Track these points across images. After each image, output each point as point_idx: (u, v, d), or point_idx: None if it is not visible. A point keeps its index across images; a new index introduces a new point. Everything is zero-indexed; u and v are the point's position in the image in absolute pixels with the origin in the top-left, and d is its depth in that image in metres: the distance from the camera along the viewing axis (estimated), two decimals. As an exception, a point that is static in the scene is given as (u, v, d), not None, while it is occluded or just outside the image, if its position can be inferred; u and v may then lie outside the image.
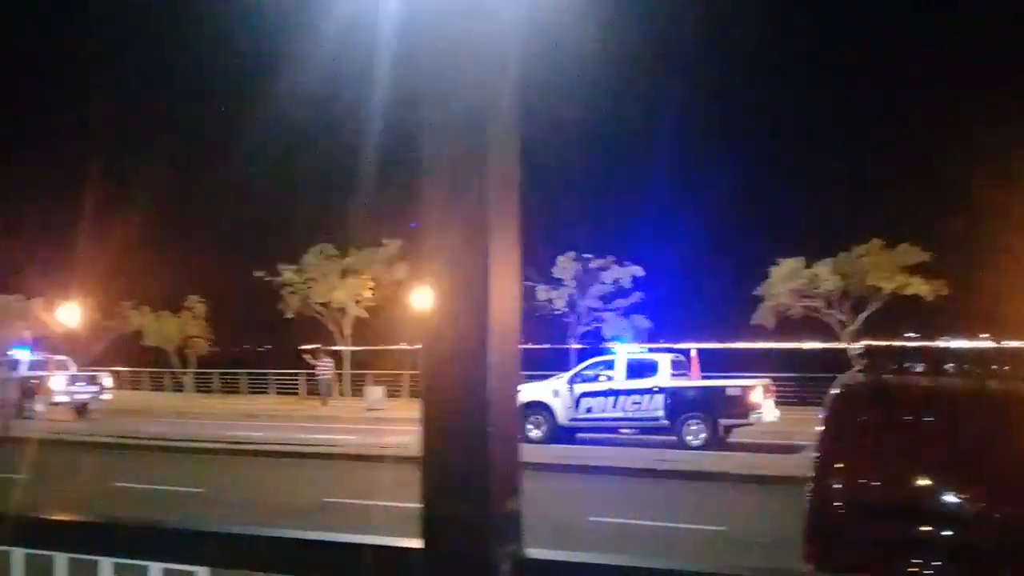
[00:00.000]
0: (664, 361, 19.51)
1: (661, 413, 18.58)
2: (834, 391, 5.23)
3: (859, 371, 5.55)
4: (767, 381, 19.50)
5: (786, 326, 32.32)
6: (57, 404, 26.60)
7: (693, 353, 20.45)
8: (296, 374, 36.49)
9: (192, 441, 19.89)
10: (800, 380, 30.32)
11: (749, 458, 16.51)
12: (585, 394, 19.31)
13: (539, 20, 1.68)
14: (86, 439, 21.08)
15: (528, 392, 19.16)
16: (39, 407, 26.07)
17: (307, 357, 34.04)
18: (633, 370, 19.40)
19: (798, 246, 31.12)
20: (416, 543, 1.47)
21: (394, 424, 22.97)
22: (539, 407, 19.13)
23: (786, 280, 29.79)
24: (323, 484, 14.22)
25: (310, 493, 13.39)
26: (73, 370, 29.15)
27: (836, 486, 4.94)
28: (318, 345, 37.68)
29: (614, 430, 19.21)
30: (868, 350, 5.76)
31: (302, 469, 16.16)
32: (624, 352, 20.60)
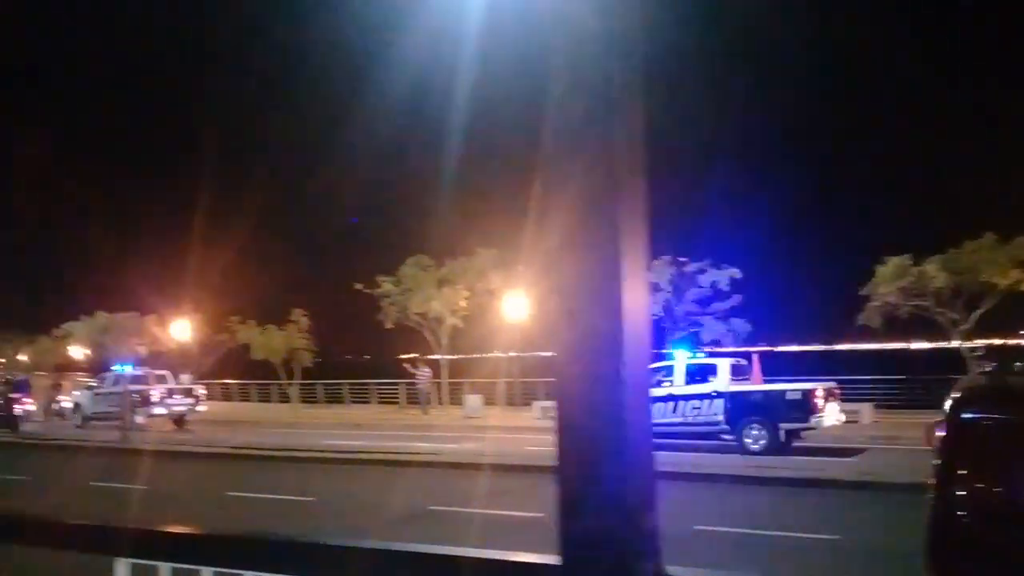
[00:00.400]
0: (724, 366, 19.40)
1: (721, 418, 18.50)
2: (955, 394, 5.01)
3: (981, 372, 5.31)
4: (830, 384, 19.18)
5: (894, 326, 31.05)
6: (155, 416, 28.26)
7: (755, 357, 20.23)
8: (396, 383, 37.18)
9: (300, 451, 20.48)
10: (908, 381, 29.18)
11: (836, 462, 16.09)
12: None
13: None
14: (197, 450, 21.99)
15: None
16: (139, 418, 27.54)
17: (407, 366, 34.65)
18: (693, 375, 19.37)
19: (905, 243, 29.94)
20: (553, 559, 1.44)
21: (493, 432, 23.18)
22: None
23: (893, 278, 28.63)
24: (427, 492, 14.40)
25: (415, 501, 13.60)
26: (171, 384, 30.89)
27: (959, 494, 4.73)
28: (416, 355, 38.34)
29: (675, 435, 18.54)
30: (989, 350, 5.51)
31: (407, 477, 16.42)
32: (683, 357, 20.42)
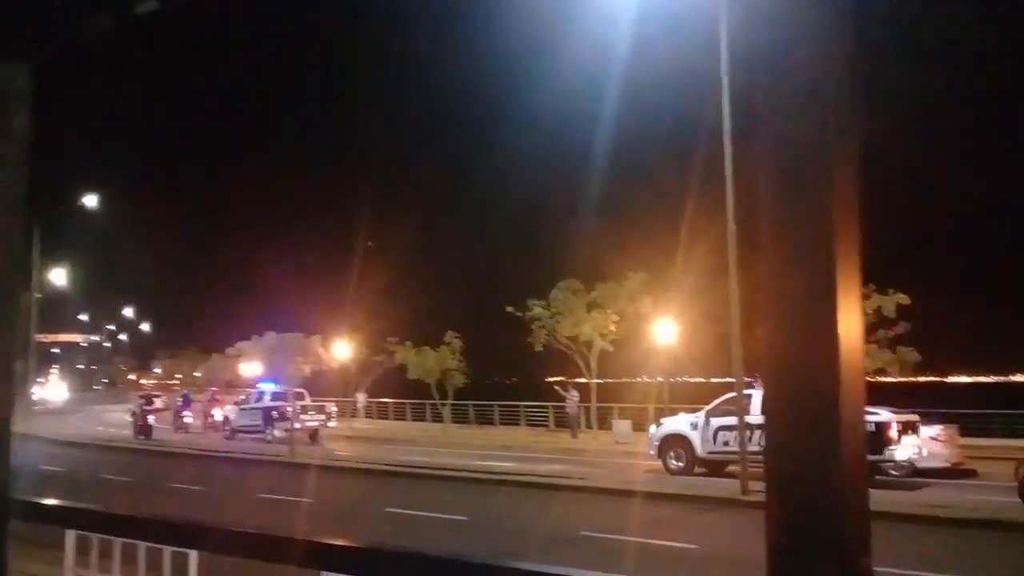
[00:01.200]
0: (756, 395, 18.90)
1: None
2: None
3: None
4: (911, 417, 18.80)
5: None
6: (291, 430, 29.31)
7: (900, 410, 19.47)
8: (545, 406, 37.42)
9: (452, 470, 20.94)
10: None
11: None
12: (722, 427, 19.49)
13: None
14: (354, 465, 22.86)
15: (668, 425, 21.07)
16: (277, 432, 30.77)
17: (557, 389, 34.84)
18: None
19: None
20: None
21: (642, 458, 22.88)
22: (679, 439, 20.25)
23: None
24: (578, 516, 14.38)
25: (566, 525, 13.59)
26: (307, 401, 33.35)
27: None
28: (563, 378, 38.45)
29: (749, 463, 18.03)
30: None
31: (557, 501, 16.45)
32: (760, 388, 19.36)
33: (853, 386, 1.32)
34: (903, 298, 28.24)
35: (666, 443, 20.74)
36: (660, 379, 33.38)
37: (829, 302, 1.33)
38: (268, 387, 33.18)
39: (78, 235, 56.43)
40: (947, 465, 19.57)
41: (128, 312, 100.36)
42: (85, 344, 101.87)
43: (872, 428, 17.49)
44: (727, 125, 16.42)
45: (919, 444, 18.42)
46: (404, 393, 45.38)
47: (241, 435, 32.30)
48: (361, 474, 21.48)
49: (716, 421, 19.86)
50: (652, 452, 21.16)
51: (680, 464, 20.07)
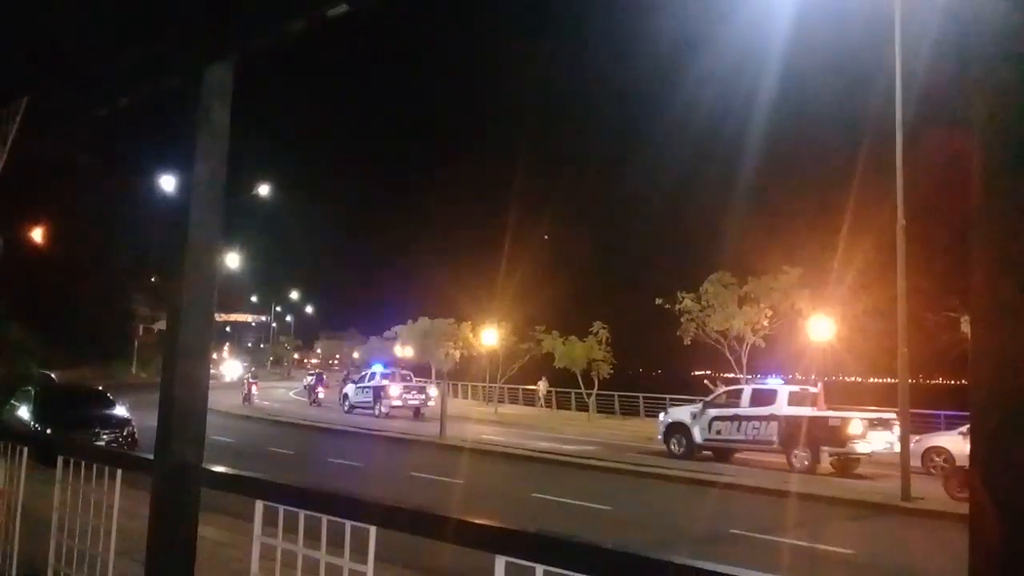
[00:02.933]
0: (783, 392, 21.85)
1: (775, 438, 20.91)
2: None
3: None
4: (882, 416, 20.55)
5: None
6: (395, 407, 34.82)
7: (820, 385, 23.11)
8: (692, 399, 36.80)
9: (597, 459, 20.99)
10: None
11: None
12: (716, 418, 22.20)
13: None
14: (501, 450, 23.25)
15: (672, 415, 24.03)
16: (383, 408, 34.84)
17: (707, 383, 34.21)
18: (757, 399, 21.87)
19: None
20: None
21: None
22: (680, 427, 22.95)
23: None
24: (726, 514, 14.09)
25: (714, 521, 13.37)
26: (411, 383, 37.43)
27: None
28: (712, 372, 37.66)
29: (737, 451, 22.15)
30: None
31: (702, 497, 16.19)
32: (751, 383, 24.25)
33: None
34: None
35: (670, 430, 23.32)
36: (813, 377, 32.10)
37: None
38: (378, 368, 37.71)
39: (251, 221, 60.11)
40: None
41: (294, 295, 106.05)
42: (254, 324, 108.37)
43: (838, 423, 20.05)
44: (899, 116, 15.56)
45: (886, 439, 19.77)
46: (550, 382, 45.78)
47: (358, 410, 36.06)
48: (509, 459, 21.86)
49: (711, 412, 22.44)
50: (660, 438, 23.68)
51: (681, 449, 22.56)
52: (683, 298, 33.63)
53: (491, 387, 47.67)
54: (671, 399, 38.83)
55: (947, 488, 15.96)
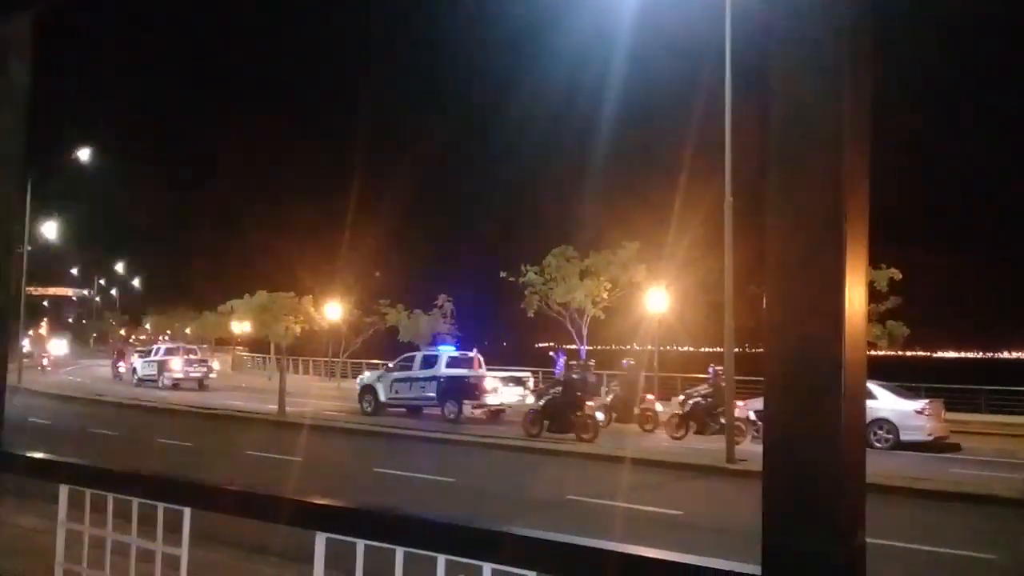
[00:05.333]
0: (443, 356, 26.10)
1: (434, 395, 25.05)
2: None
3: None
4: (517, 375, 27.01)
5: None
6: (177, 379, 36.67)
7: (475, 351, 27.87)
8: (536, 371, 37.57)
9: (424, 432, 21.42)
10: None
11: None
12: (396, 380, 26.12)
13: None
14: (337, 425, 22.94)
15: (364, 378, 27.90)
16: (166, 380, 36.63)
17: (550, 354, 34.99)
18: (425, 363, 26.08)
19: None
20: (754, 570, 1.39)
21: (629, 425, 23.07)
22: (370, 389, 26.56)
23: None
24: (565, 481, 14.53)
25: (554, 489, 13.75)
26: (194, 356, 39.17)
27: None
28: (554, 344, 38.55)
29: (411, 407, 25.85)
30: None
31: (546, 467, 16.61)
32: (422, 350, 28.24)
33: (856, 360, 1.30)
34: (895, 273, 28.31)
35: (363, 392, 26.95)
36: (650, 347, 33.51)
37: (836, 275, 1.31)
38: (163, 344, 40.17)
39: (70, 188, 55.98)
40: (930, 439, 19.84)
41: (119, 267, 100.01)
42: (75, 298, 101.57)
43: (473, 381, 24.65)
44: (728, 96, 16.32)
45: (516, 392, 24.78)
46: (395, 355, 45.44)
47: (145, 384, 37.13)
48: (351, 434, 21.62)
49: (392, 375, 26.37)
50: (358, 398, 26.88)
51: (370, 407, 25.98)
52: (527, 271, 34.17)
53: (334, 362, 46.86)
54: (515, 370, 39.56)
55: (667, 429, 20.49)
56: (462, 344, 32.87)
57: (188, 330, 72.40)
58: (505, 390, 24.65)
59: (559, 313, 34.54)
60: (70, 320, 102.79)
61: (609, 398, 22.99)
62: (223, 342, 61.62)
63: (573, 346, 35.47)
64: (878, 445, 19.55)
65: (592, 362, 25.31)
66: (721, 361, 18.86)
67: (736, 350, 17.59)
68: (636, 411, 22.26)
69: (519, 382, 25.17)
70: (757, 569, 1.38)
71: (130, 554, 2.72)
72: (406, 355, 27.83)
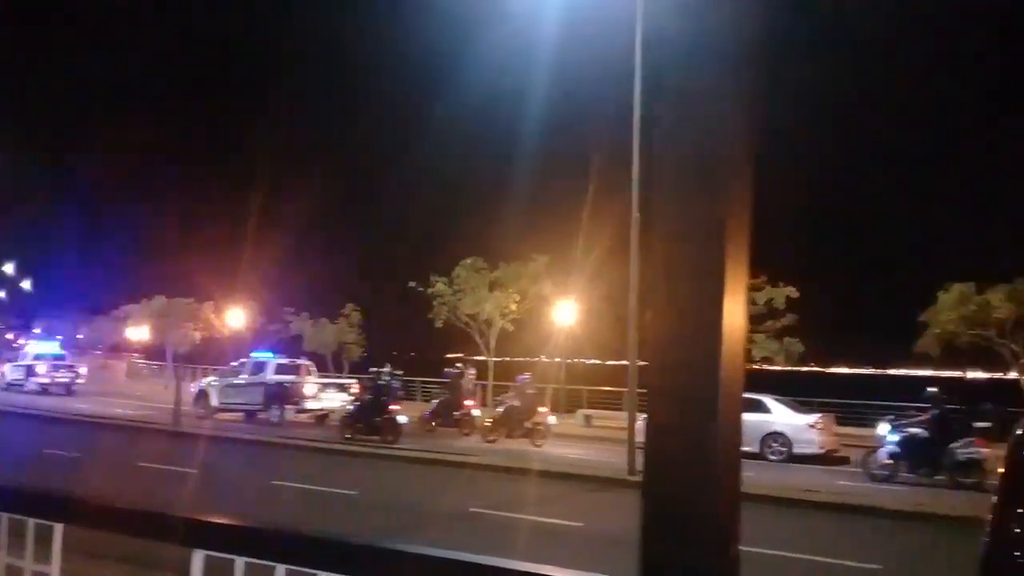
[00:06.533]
0: (271, 364, 27.06)
1: (261, 400, 25.90)
2: (1017, 431, 4.90)
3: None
4: (344, 382, 28.28)
5: (952, 355, 30.36)
6: (43, 384, 36.17)
7: (304, 359, 29.74)
8: (443, 382, 37.40)
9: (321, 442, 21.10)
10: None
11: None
12: (228, 385, 27.22)
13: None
14: (237, 436, 22.35)
15: (201, 384, 28.84)
16: (32, 385, 36.18)
17: (459, 366, 34.90)
18: (255, 369, 26.99)
19: (969, 271, 29.20)
20: None
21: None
22: (203, 394, 27.50)
23: (954, 306, 27.97)
24: (471, 493, 14.47)
25: (457, 501, 13.66)
26: (61, 362, 38.69)
27: (1015, 531, 4.62)
28: (462, 355, 38.49)
29: (243, 411, 26.50)
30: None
31: (451, 477, 16.53)
32: (252, 358, 28.40)
33: (733, 378, 1.33)
34: (792, 291, 29.42)
35: (197, 396, 27.78)
36: (558, 360, 33.83)
37: (716, 293, 1.33)
38: (31, 349, 40.22)
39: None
40: (822, 451, 20.58)
41: (8, 269, 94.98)
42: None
43: (289, 386, 25.81)
44: (636, 113, 16.63)
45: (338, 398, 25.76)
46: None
47: (13, 388, 36.71)
48: (251, 445, 21.08)
49: (225, 380, 27.61)
50: (191, 402, 27.00)
51: (203, 411, 26.57)
52: (435, 282, 34.07)
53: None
54: (422, 381, 39.28)
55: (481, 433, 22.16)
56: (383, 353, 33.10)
57: (80, 335, 69.24)
58: (327, 396, 26.07)
59: (467, 324, 34.58)
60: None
61: (500, 410, 23.34)
62: (118, 348, 59.29)
63: (482, 357, 35.53)
64: (772, 458, 20.20)
65: (474, 371, 27.32)
66: (625, 375, 19.16)
67: (641, 363, 17.90)
68: (528, 425, 22.32)
69: (342, 388, 26.47)
70: None
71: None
72: (238, 361, 28.78)
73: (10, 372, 39.13)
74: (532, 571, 1.63)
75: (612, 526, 12.43)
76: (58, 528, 2.42)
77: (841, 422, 23.86)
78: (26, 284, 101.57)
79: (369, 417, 21.83)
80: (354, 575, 1.80)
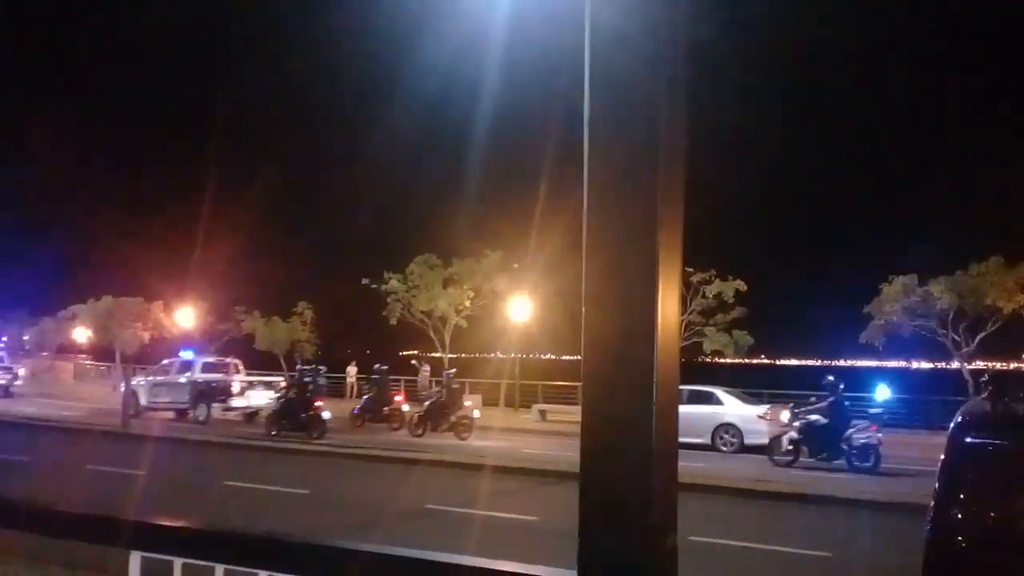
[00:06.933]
0: (199, 362, 27.56)
1: (187, 398, 26.06)
2: (957, 418, 5.03)
3: (984, 398, 5.34)
4: (272, 379, 28.58)
5: (895, 345, 31.04)
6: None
7: (232, 358, 29.82)
8: (396, 380, 37.24)
9: (368, 448, 20.63)
10: (909, 402, 29.03)
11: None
12: (156, 384, 27.30)
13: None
14: (188, 437, 22.01)
15: (132, 383, 27.53)
16: None
17: (414, 363, 34.75)
18: (181, 368, 27.17)
19: (912, 263, 29.88)
20: (570, 573, 1.41)
21: (491, 433, 23.26)
22: (133, 393, 26.42)
23: (897, 298, 28.63)
24: (427, 490, 14.41)
25: (414, 498, 13.60)
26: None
27: (958, 517, 4.74)
28: (418, 352, 38.40)
29: (168, 409, 26.69)
30: (992, 376, 5.53)
31: (408, 474, 16.44)
32: (177, 357, 28.89)
33: (668, 366, 1.34)
34: (741, 284, 29.83)
35: (126, 396, 26.28)
36: (513, 355, 33.90)
37: (651, 288, 1.35)
38: None
39: None
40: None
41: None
42: None
43: (221, 385, 26.22)
44: (587, 107, 16.71)
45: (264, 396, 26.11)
46: (251, 364, 43.95)
47: None
48: (202, 446, 20.77)
49: (154, 379, 27.70)
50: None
51: (133, 410, 25.48)
52: (389, 278, 33.88)
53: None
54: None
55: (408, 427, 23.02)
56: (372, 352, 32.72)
57: (26, 337, 67.51)
58: (255, 394, 26.32)
59: (422, 321, 34.45)
60: None
61: (426, 404, 23.79)
62: (65, 350, 57.92)
63: (437, 354, 35.46)
64: (724, 449, 20.50)
65: (428, 367, 28.88)
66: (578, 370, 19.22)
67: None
68: (453, 419, 22.93)
69: (269, 386, 26.64)
70: (573, 572, 1.39)
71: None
72: (165, 361, 29.04)
73: None
74: (482, 566, 1.63)
75: (566, 519, 12.53)
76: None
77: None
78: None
79: (295, 414, 22.19)
80: (295, 574, 1.77)
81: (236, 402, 26.10)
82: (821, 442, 17.75)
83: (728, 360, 30.39)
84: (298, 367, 25.66)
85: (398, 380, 28.73)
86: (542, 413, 29.96)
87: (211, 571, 1.90)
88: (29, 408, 28.63)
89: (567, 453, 18.70)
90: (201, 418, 25.15)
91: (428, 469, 17.00)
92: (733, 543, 10.82)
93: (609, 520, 1.34)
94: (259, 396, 25.96)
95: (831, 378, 18.71)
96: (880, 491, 14.47)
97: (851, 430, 17.65)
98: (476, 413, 23.99)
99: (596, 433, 1.36)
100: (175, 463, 17.77)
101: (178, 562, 1.95)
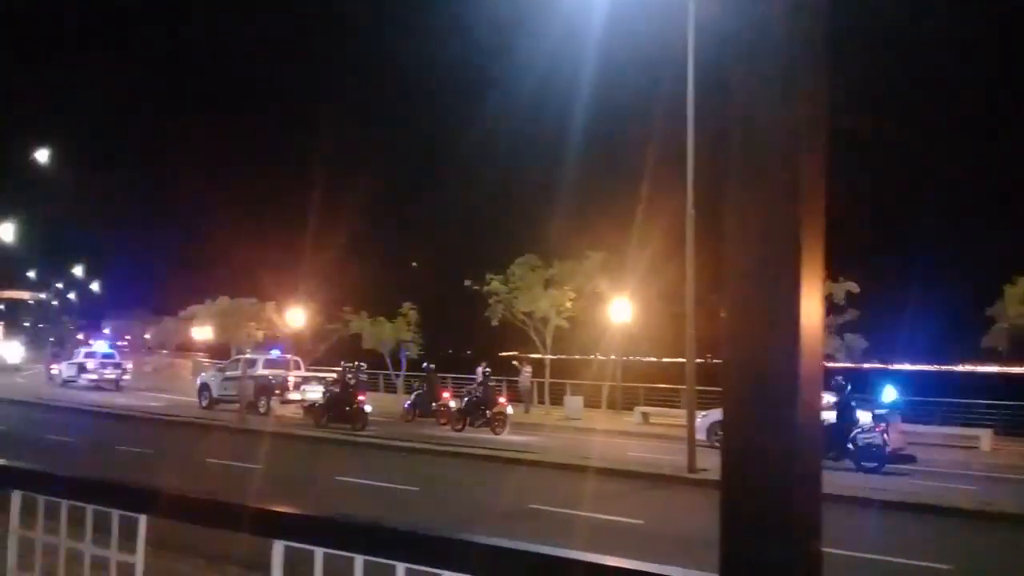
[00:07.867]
0: (261, 360, 30.24)
1: (251, 392, 27.09)
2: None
3: None
4: (324, 375, 29.28)
5: (1022, 349, 29.38)
6: (92, 380, 39.69)
7: (292, 355, 32.27)
8: (499, 380, 37.50)
9: (407, 441, 21.06)
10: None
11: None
12: (226, 379, 29.37)
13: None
14: (299, 432, 22.72)
15: (202, 377, 31.48)
16: (84, 380, 39.76)
17: (515, 364, 34.95)
18: (248, 365, 28.56)
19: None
20: None
21: (593, 435, 23.21)
22: (206, 386, 30.05)
23: (1022, 300, 27.09)
24: (530, 490, 14.50)
25: (518, 499, 13.70)
26: (111, 359, 42.53)
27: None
28: (518, 352, 38.56)
29: (237, 402, 26.86)
30: None
31: (510, 474, 16.56)
32: (252, 353, 32.53)
33: (812, 372, 1.31)
34: (853, 286, 28.78)
35: (201, 388, 30.44)
36: (613, 357, 33.65)
37: (792, 287, 1.32)
38: (94, 347, 44.07)
39: (28, 190, 54.98)
40: (888, 450, 20.12)
41: (78, 271, 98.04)
42: (33, 302, 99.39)
43: (280, 382, 28.60)
44: (691, 109, 16.50)
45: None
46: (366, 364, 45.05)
47: (69, 384, 39.98)
48: (312, 441, 21.44)
49: (224, 374, 29.71)
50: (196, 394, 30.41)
51: (206, 403, 29.40)
52: (491, 280, 34.18)
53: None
54: (453, 377, 39.48)
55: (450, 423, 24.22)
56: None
57: (147, 335, 71.15)
58: (310, 388, 28.05)
59: (523, 322, 34.60)
60: (26, 324, 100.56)
61: (464, 401, 24.91)
62: (184, 348, 60.78)
63: (538, 355, 35.53)
64: (720, 446, 19.80)
65: (530, 368, 31.04)
66: (682, 372, 18.96)
67: (699, 360, 17.73)
68: (489, 414, 23.92)
69: (322, 381, 28.15)
70: None
71: (84, 562, 2.67)
72: (239, 357, 31.41)
73: (66, 370, 42.27)
74: (603, 562, 1.64)
75: (672, 523, 12.39)
76: (142, 519, 2.50)
77: (907, 420, 23.25)
78: (95, 286, 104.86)
79: (340, 407, 24.02)
80: (429, 566, 1.83)
81: (292, 396, 28.16)
82: (828, 441, 17.55)
83: (838, 364, 29.32)
84: (342, 364, 27.20)
85: (500, 381, 29.13)
86: (645, 416, 29.67)
87: (351, 562, 1.98)
88: (125, 400, 32.10)
89: (478, 435, 19.30)
90: (263, 410, 27.10)
91: (531, 469, 17.08)
92: (854, 554, 10.45)
93: (752, 526, 1.32)
94: (313, 390, 27.58)
95: (839, 379, 19.12)
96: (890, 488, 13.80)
97: (856, 430, 18.07)
98: (510, 410, 24.80)
99: (738, 439, 1.35)
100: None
101: (319, 552, 2.03)
